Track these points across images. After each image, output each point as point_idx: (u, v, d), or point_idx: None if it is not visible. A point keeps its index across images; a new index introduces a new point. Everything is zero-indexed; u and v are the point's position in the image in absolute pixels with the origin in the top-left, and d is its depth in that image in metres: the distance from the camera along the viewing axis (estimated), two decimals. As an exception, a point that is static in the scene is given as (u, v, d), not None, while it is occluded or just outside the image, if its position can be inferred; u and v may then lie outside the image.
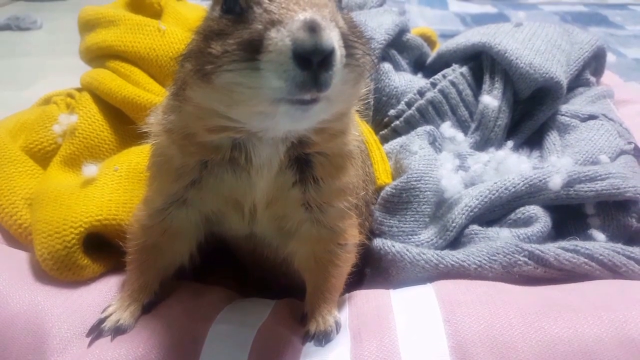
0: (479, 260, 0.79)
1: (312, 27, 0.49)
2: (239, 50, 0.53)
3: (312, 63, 0.50)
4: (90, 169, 0.88)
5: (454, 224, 0.90)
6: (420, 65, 1.31)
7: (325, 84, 0.51)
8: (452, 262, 0.80)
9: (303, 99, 0.52)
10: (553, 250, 0.79)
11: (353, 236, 0.76)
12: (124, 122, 1.02)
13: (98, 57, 1.11)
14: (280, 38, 0.50)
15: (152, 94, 1.01)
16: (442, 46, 1.28)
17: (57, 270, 0.76)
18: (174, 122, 0.67)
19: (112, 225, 0.81)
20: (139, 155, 0.93)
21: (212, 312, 0.73)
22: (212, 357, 0.66)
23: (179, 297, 0.77)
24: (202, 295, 0.78)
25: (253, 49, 0.52)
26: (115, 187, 0.86)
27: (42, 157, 1.00)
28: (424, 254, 0.83)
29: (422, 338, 0.67)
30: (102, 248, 0.83)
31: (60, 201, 0.83)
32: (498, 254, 0.79)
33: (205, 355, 0.66)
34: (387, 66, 1.18)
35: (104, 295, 0.76)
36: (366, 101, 0.98)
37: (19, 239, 0.87)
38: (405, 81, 1.17)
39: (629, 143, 1.07)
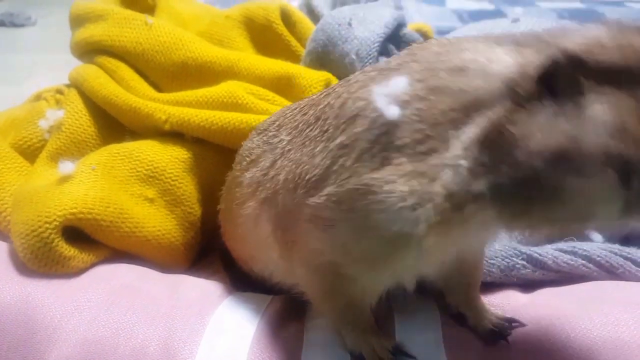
0: (476, 265, 0.79)
1: None
2: None
3: None
4: (66, 166, 0.87)
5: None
6: (417, 61, 1.30)
7: None
8: None
9: None
10: (551, 252, 0.77)
11: None
12: (111, 119, 1.01)
13: (87, 52, 1.10)
14: None
15: (131, 95, 0.99)
16: (439, 42, 1.27)
17: (45, 266, 0.76)
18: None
19: (88, 219, 0.80)
20: (115, 158, 0.91)
21: (212, 304, 0.73)
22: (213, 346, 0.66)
23: (178, 288, 0.77)
24: (202, 287, 0.78)
25: None
26: (91, 185, 0.85)
27: (32, 153, 0.99)
28: None
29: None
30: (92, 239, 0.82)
31: (35, 200, 0.82)
32: (496, 257, 0.78)
33: (204, 346, 0.66)
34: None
35: (97, 281, 0.76)
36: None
37: (9, 235, 0.86)
38: (401, 77, 1.16)
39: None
